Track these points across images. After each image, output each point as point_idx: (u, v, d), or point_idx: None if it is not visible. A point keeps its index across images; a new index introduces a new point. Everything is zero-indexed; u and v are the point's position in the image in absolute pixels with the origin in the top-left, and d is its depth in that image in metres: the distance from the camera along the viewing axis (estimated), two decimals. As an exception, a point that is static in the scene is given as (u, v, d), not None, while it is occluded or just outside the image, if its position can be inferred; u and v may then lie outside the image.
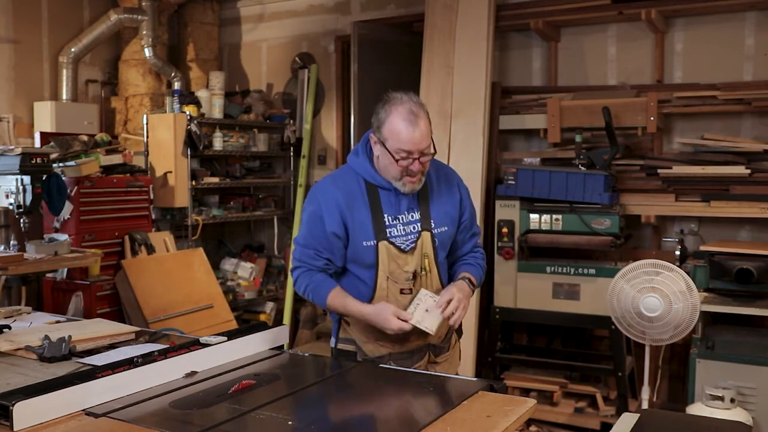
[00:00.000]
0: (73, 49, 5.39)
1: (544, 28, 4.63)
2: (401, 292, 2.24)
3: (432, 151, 2.19)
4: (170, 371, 1.94)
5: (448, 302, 2.18)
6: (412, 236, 2.25)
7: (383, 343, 2.27)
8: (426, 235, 2.26)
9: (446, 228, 2.31)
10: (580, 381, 4.43)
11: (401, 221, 2.24)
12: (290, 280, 5.56)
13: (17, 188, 3.72)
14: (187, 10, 5.95)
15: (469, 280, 2.31)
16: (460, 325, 2.37)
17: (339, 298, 2.23)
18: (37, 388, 1.68)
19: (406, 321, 2.14)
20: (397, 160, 2.14)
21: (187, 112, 5.11)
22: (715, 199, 4.12)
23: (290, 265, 2.35)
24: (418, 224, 2.26)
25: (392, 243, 2.22)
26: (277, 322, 5.52)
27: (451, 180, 2.37)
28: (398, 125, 2.12)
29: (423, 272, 2.26)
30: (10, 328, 2.36)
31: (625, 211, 4.28)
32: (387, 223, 2.22)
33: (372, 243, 2.21)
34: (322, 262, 2.24)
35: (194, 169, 5.27)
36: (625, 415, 2.46)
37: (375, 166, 2.24)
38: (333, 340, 2.39)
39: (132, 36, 5.65)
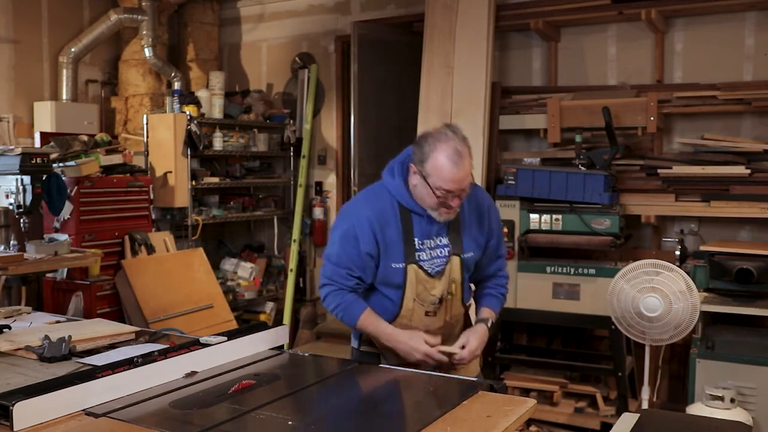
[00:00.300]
0: (73, 49, 5.39)
1: (544, 28, 4.63)
2: (426, 314, 2.27)
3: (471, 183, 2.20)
4: (170, 371, 1.94)
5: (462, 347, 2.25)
6: (439, 260, 2.26)
7: None
8: (455, 260, 2.27)
9: (473, 253, 2.32)
10: (580, 381, 4.42)
11: (429, 245, 2.25)
12: (290, 280, 5.60)
13: (17, 188, 3.72)
14: (187, 10, 5.95)
15: (491, 323, 2.36)
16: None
17: (371, 318, 2.25)
18: (37, 388, 1.68)
19: (433, 346, 2.20)
20: (437, 196, 2.14)
21: (187, 112, 5.11)
22: (715, 199, 4.12)
23: (318, 281, 2.38)
24: (446, 249, 2.26)
25: (420, 267, 2.23)
26: (277, 322, 5.52)
27: (482, 205, 2.36)
28: (443, 164, 2.09)
29: (449, 296, 2.29)
30: (10, 328, 2.35)
31: (625, 211, 4.28)
32: (417, 247, 2.23)
33: (401, 265, 2.22)
34: (354, 282, 2.25)
35: (194, 169, 5.27)
36: (625, 415, 2.47)
37: (410, 191, 2.23)
38: (355, 341, 2.40)
39: (132, 36, 5.65)
